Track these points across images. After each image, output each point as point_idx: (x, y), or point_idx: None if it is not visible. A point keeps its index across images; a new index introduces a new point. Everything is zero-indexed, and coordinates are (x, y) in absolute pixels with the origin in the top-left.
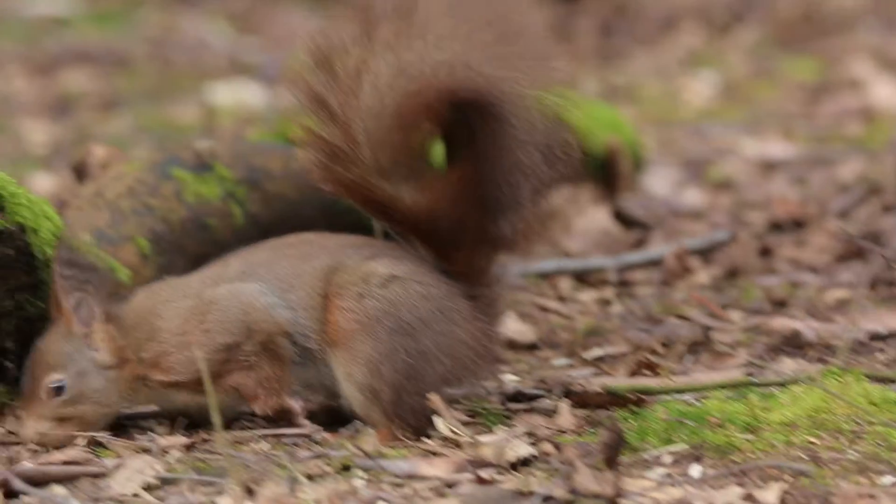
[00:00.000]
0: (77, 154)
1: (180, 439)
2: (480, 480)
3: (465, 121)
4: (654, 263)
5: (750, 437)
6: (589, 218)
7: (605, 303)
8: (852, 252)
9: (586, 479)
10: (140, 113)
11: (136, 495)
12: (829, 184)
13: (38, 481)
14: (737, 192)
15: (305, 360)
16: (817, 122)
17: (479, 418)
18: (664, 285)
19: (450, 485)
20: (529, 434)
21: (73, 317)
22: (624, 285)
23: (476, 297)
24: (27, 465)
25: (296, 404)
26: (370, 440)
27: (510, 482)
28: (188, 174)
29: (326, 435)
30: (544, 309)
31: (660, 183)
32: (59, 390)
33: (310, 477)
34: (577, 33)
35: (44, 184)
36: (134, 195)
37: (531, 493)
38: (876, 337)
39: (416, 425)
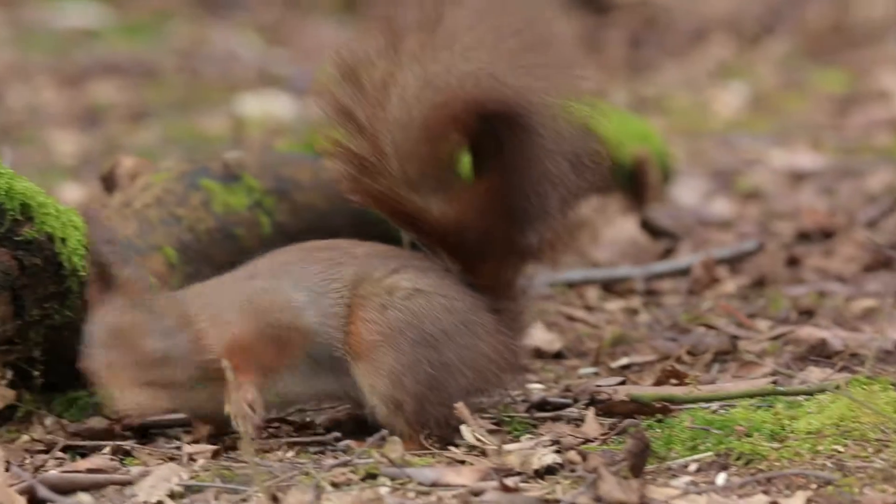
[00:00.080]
0: (105, 164)
1: (206, 447)
2: (506, 488)
3: (493, 132)
4: (682, 273)
5: (776, 445)
6: (617, 228)
7: (632, 312)
8: (880, 262)
9: (612, 488)
10: (169, 124)
11: (161, 503)
12: (857, 194)
13: (64, 489)
14: (765, 202)
15: (331, 370)
16: (846, 133)
17: (505, 427)
18: (691, 295)
19: (475, 493)
20: (555, 442)
21: (137, 285)
22: (651, 295)
23: (501, 310)
24: (53, 472)
25: (259, 407)
26: (396, 448)
27: (536, 490)
28: (216, 184)
29: (352, 443)
30: (571, 318)
31: (688, 193)
32: (156, 352)
33: (335, 485)
34: (607, 45)
35: (72, 194)
36: (162, 205)
37: (556, 502)
38: None
39: (441, 435)
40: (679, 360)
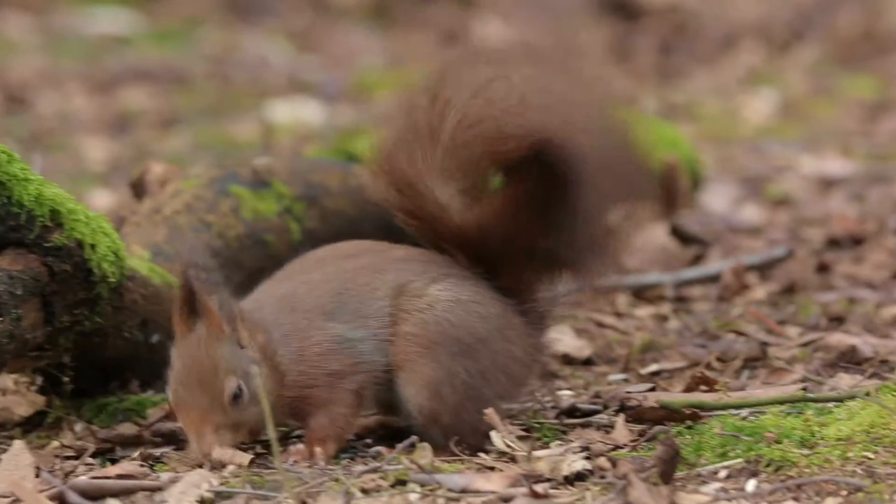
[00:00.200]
0: (135, 171)
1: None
2: (535, 495)
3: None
4: (712, 279)
5: (806, 452)
6: (647, 234)
7: (662, 318)
8: None
9: (641, 494)
10: (199, 130)
11: None
12: (888, 201)
13: (94, 495)
14: (795, 208)
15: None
16: (876, 139)
17: (535, 433)
18: (721, 301)
19: (505, 499)
20: (585, 449)
21: (221, 317)
22: (681, 301)
23: (525, 311)
24: (83, 478)
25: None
26: (426, 454)
27: (565, 497)
28: (246, 191)
29: (382, 449)
30: (601, 324)
31: (718, 200)
32: (238, 395)
33: (365, 491)
34: (637, 51)
35: (102, 200)
36: (191, 211)
37: None
38: None
39: (474, 443)
40: (709, 366)
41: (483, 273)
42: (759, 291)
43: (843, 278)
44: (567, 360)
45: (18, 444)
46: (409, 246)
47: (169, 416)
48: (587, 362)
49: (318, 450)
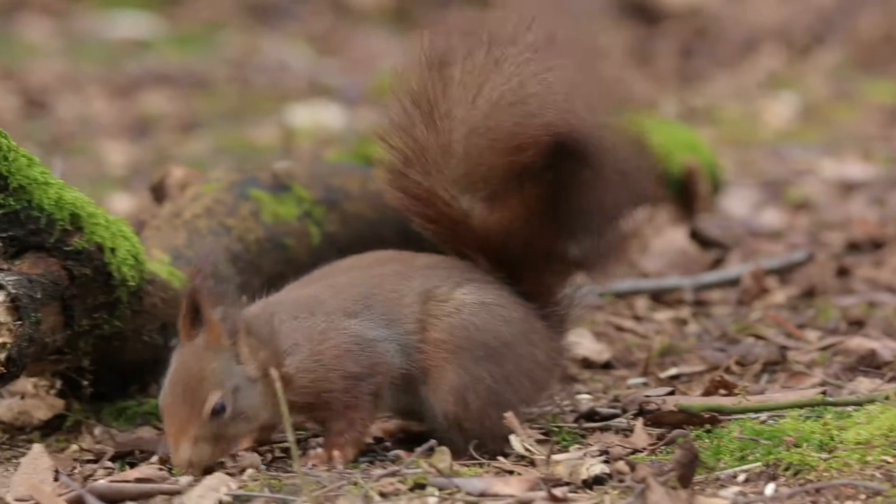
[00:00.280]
0: (155, 175)
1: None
2: (554, 499)
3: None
4: (731, 283)
5: (825, 456)
6: (666, 238)
7: (682, 322)
8: None
9: (660, 498)
10: (219, 134)
11: None
12: None
13: (113, 499)
14: (815, 212)
15: (396, 390)
16: None
17: (554, 437)
18: (741, 305)
19: (524, 503)
20: (603, 452)
21: (222, 329)
22: (700, 305)
23: (546, 315)
24: (101, 482)
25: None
26: (444, 458)
27: (584, 501)
28: (266, 195)
29: (400, 452)
30: (620, 328)
31: (738, 204)
32: (220, 410)
33: (383, 495)
34: (658, 55)
35: (122, 204)
36: (211, 215)
37: None
38: None
39: (494, 448)
40: (728, 370)
41: (504, 277)
42: (779, 295)
43: (863, 282)
44: (586, 363)
45: (37, 448)
46: (431, 254)
47: None
48: (606, 366)
49: (336, 454)
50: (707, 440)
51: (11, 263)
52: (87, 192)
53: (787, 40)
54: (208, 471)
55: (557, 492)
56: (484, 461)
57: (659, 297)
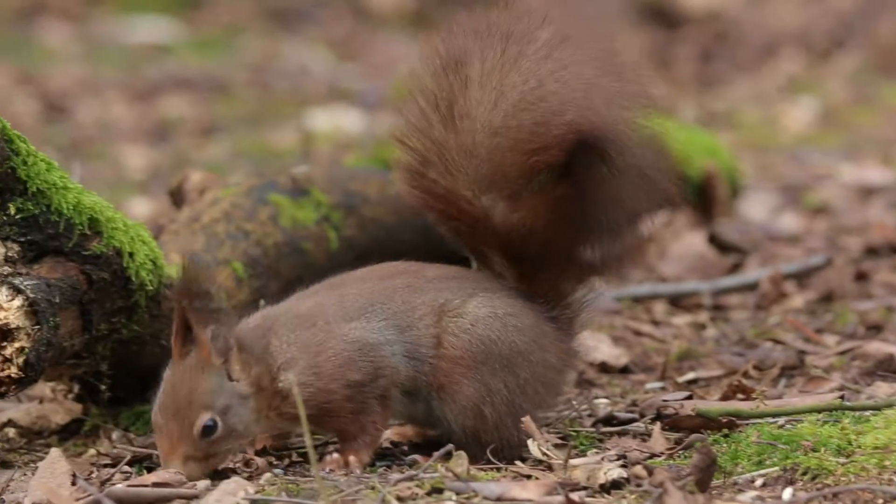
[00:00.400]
0: (174, 179)
1: (272, 461)
2: (572, 503)
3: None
4: (750, 288)
5: (842, 460)
6: (685, 242)
7: (700, 327)
8: None
9: (678, 502)
10: (238, 138)
11: None
12: None
13: (130, 503)
14: (834, 217)
15: (408, 398)
16: None
17: (571, 441)
18: (759, 309)
19: None
20: (621, 457)
21: (212, 348)
22: (718, 309)
23: (556, 317)
24: (119, 486)
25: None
26: (462, 463)
27: None
28: (284, 199)
29: (418, 457)
30: (638, 332)
31: (756, 208)
32: (210, 429)
33: (401, 499)
34: (677, 59)
35: (141, 208)
36: (230, 220)
37: None
38: None
39: (511, 456)
40: (746, 374)
41: (518, 277)
42: (797, 300)
43: (882, 287)
44: (604, 368)
45: (55, 452)
46: (440, 264)
47: None
48: (624, 370)
49: (352, 458)
50: (725, 444)
51: (30, 268)
52: (106, 196)
53: (806, 45)
54: (223, 475)
55: (575, 496)
56: (501, 466)
57: (677, 302)
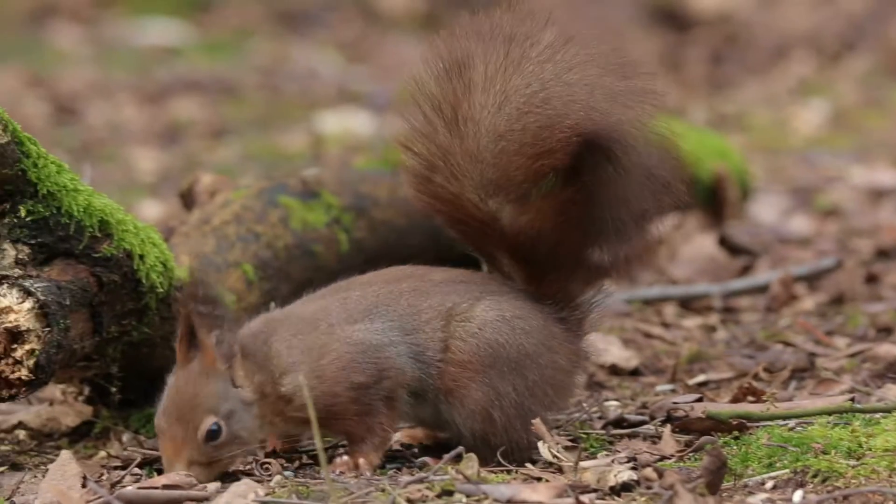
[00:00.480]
0: (184, 181)
1: (283, 463)
2: None
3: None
4: (760, 290)
5: (853, 463)
6: (695, 245)
7: (710, 329)
8: None
9: None
10: (248, 141)
11: None
12: None
13: None
14: (844, 219)
15: (416, 401)
16: None
17: (582, 443)
18: (769, 312)
19: None
20: (631, 459)
21: (217, 354)
22: (729, 312)
23: (564, 318)
24: (130, 488)
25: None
26: (472, 465)
27: None
28: (295, 201)
29: (428, 459)
30: (648, 335)
31: (767, 210)
32: (214, 434)
33: (411, 501)
34: (688, 61)
35: (152, 211)
36: (240, 222)
37: None
38: None
39: (521, 458)
40: (756, 377)
41: (526, 279)
42: (808, 302)
43: (892, 289)
44: (614, 370)
45: (66, 454)
46: (447, 268)
47: None
48: (634, 373)
49: (361, 461)
50: (735, 447)
51: (40, 270)
52: (117, 198)
53: (817, 47)
54: (233, 477)
55: (585, 498)
56: (511, 468)
57: (687, 304)
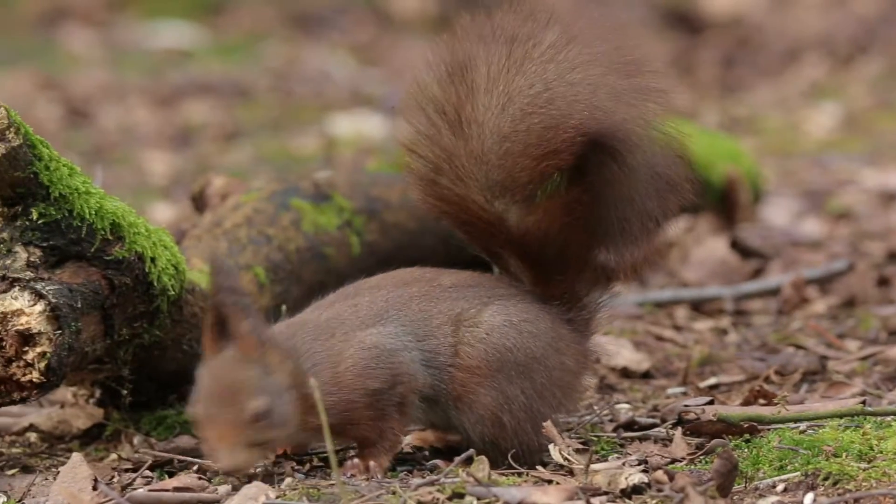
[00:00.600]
0: (196, 184)
1: (293, 465)
2: None
3: (586, 153)
4: (772, 293)
5: (864, 465)
6: (707, 248)
7: (721, 332)
8: None
9: None
10: (261, 144)
11: None
12: None
13: None
14: (856, 222)
15: (427, 406)
16: None
17: (593, 446)
18: (781, 315)
19: None
20: (642, 462)
21: (252, 341)
22: (740, 315)
23: (571, 319)
24: (140, 491)
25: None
26: (483, 467)
27: None
28: (307, 204)
29: (439, 462)
30: (660, 338)
31: (779, 213)
32: (262, 414)
33: (422, 503)
34: (700, 64)
35: (163, 213)
36: (252, 225)
37: None
38: None
39: (532, 461)
40: (767, 379)
41: (533, 280)
42: (819, 305)
43: None
44: (625, 373)
45: (76, 457)
46: (455, 270)
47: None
48: (646, 375)
49: (372, 463)
50: (746, 450)
51: (52, 272)
52: (129, 201)
53: (829, 50)
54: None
55: (596, 501)
56: (522, 470)
57: (699, 307)
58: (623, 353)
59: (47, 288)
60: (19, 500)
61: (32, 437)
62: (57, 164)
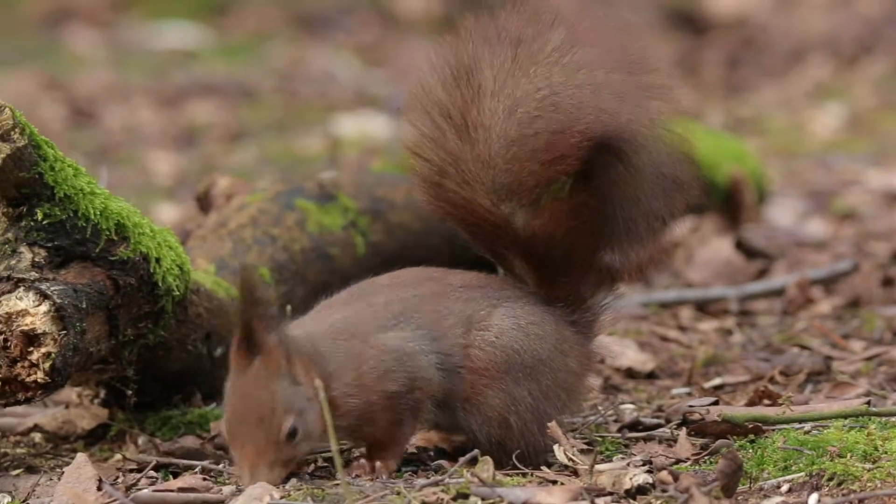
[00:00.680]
0: (201, 185)
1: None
2: None
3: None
4: (776, 293)
5: (868, 466)
6: (712, 248)
7: (726, 332)
8: None
9: None
10: (265, 144)
11: None
12: None
13: None
14: (861, 222)
15: (437, 409)
16: None
17: (597, 446)
18: (785, 315)
19: None
20: (647, 462)
21: (280, 354)
22: (745, 315)
23: (575, 321)
24: (145, 491)
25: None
26: (487, 468)
27: None
28: (311, 204)
29: (444, 462)
30: (664, 338)
31: (783, 214)
32: (294, 432)
33: None
34: (705, 65)
35: (168, 214)
36: (257, 225)
37: None
38: None
39: (537, 462)
40: (772, 380)
41: (538, 282)
42: (824, 305)
43: None
44: (630, 373)
45: (81, 457)
46: (462, 271)
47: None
48: (650, 376)
49: (379, 465)
50: (750, 450)
51: (57, 273)
52: (134, 201)
53: (834, 50)
54: None
55: (600, 501)
56: (527, 471)
57: (704, 307)
58: (628, 354)
59: (52, 288)
60: (24, 501)
61: (37, 437)
62: (62, 165)
